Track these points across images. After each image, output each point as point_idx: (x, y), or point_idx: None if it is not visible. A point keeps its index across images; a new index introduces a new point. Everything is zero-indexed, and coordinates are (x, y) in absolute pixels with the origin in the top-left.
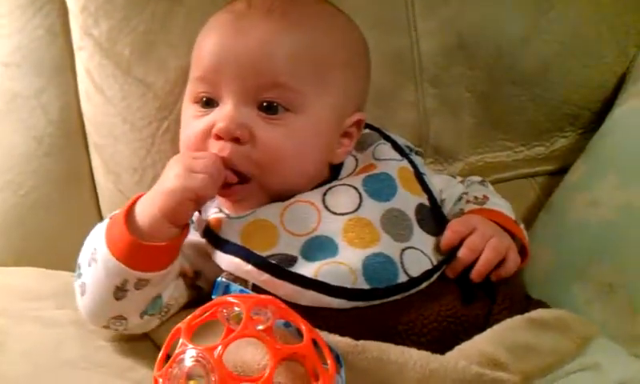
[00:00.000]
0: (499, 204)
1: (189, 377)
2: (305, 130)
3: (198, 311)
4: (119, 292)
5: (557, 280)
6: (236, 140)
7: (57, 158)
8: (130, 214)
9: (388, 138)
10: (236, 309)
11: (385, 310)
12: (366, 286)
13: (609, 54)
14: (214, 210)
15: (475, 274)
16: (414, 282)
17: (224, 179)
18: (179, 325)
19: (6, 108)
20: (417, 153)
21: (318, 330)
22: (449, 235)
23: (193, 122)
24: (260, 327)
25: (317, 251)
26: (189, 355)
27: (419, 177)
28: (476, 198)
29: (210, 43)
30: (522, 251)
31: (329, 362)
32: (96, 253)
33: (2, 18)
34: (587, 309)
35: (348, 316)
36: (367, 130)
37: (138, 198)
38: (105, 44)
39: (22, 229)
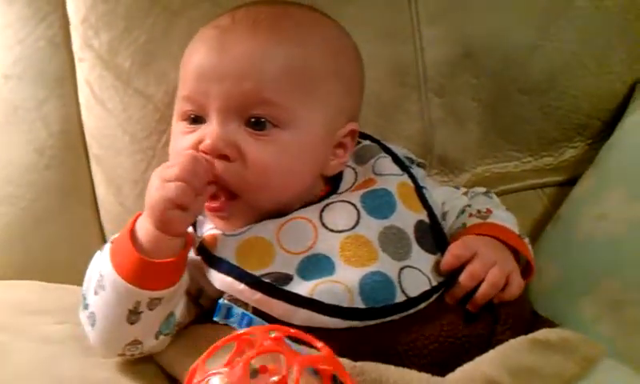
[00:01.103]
0: (503, 217)
1: None
2: (294, 145)
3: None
4: (133, 315)
5: (564, 296)
6: (224, 157)
7: (57, 170)
8: (133, 233)
9: (388, 151)
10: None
11: (383, 330)
12: (362, 306)
13: (618, 63)
14: (210, 226)
15: (471, 305)
16: (411, 302)
17: (205, 180)
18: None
19: (7, 120)
20: (418, 164)
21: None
22: (448, 259)
23: (180, 138)
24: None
25: (313, 270)
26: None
27: (419, 192)
28: (479, 211)
29: (195, 60)
30: (527, 267)
31: None
32: (103, 279)
33: (4, 30)
34: (595, 325)
35: (344, 336)
36: (367, 142)
37: (137, 217)
38: (105, 55)
39: (21, 242)
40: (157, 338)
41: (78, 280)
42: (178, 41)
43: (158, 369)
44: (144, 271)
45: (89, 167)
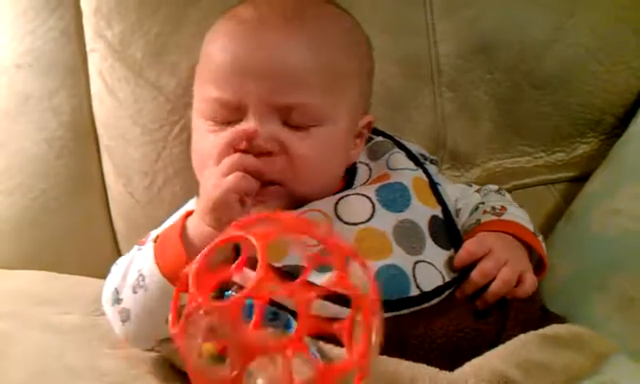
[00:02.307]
0: (517, 215)
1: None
2: (329, 139)
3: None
4: None
5: (575, 292)
6: (267, 153)
7: (68, 160)
8: (184, 235)
9: (402, 147)
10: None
11: (394, 323)
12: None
13: (633, 59)
14: None
15: (480, 302)
16: (425, 296)
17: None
18: (186, 269)
19: (18, 110)
20: (431, 161)
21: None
22: (462, 255)
23: (211, 136)
24: None
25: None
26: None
27: (434, 187)
28: (493, 208)
29: (225, 57)
30: (540, 263)
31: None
32: (145, 279)
33: (16, 19)
34: (606, 322)
35: None
36: (380, 138)
37: (186, 218)
38: (117, 46)
39: (31, 232)
40: None
41: (87, 270)
42: (189, 32)
43: (165, 359)
44: None
45: (99, 158)
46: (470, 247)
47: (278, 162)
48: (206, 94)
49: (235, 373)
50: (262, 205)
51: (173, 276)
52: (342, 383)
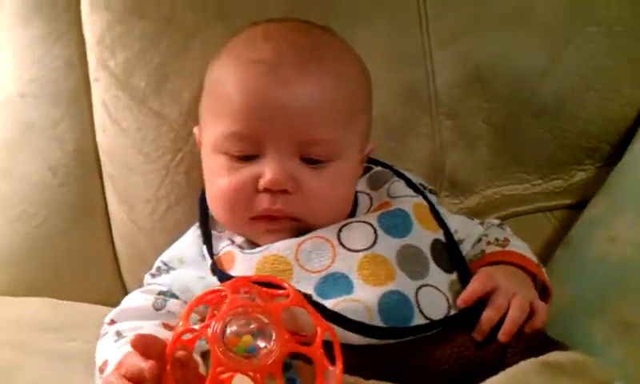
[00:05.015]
0: (520, 247)
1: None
2: (345, 173)
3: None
4: None
5: (574, 318)
6: (284, 191)
7: (71, 188)
8: None
9: (401, 176)
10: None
11: (397, 349)
12: (381, 325)
13: (628, 87)
14: (226, 243)
15: (503, 335)
16: (432, 324)
17: None
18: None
19: (22, 138)
20: (430, 191)
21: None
22: (466, 297)
23: (230, 173)
24: None
25: (332, 289)
26: None
27: (434, 212)
28: (497, 239)
29: (247, 96)
30: (543, 292)
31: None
32: None
33: (21, 49)
34: (605, 348)
35: (360, 353)
36: (379, 168)
37: None
38: (120, 76)
39: (34, 259)
40: None
41: (89, 297)
42: (192, 62)
43: None
44: None
45: (102, 186)
46: (473, 286)
47: (294, 200)
48: (222, 129)
49: None
50: (279, 235)
51: None
52: None
